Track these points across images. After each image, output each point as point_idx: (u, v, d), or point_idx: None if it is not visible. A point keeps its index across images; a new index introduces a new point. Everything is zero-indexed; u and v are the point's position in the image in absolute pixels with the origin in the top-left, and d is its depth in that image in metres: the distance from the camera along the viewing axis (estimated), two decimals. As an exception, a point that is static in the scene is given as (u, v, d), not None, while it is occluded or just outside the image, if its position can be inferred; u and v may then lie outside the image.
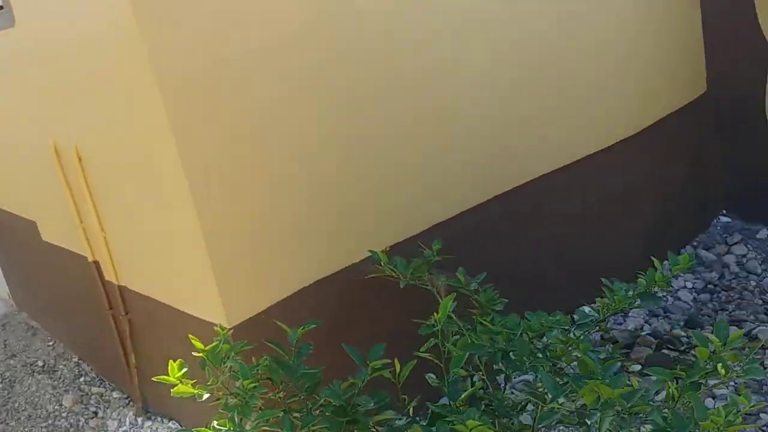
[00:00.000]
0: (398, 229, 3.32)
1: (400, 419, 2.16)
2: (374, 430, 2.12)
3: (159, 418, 3.67)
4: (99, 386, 3.98)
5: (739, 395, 1.71)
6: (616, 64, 4.02)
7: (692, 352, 3.90)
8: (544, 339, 2.20)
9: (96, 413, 3.80)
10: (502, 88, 3.55)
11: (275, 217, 2.87)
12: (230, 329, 2.73)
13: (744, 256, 4.37)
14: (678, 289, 4.23)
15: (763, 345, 3.84)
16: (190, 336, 2.14)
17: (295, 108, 2.84)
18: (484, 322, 2.22)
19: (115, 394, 3.91)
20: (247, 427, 1.98)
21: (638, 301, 2.32)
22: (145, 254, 3.23)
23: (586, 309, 4.18)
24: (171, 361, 2.04)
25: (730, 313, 4.06)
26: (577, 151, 3.92)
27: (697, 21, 4.43)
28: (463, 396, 2.23)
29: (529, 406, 2.44)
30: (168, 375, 2.03)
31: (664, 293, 4.17)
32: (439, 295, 3.18)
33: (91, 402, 3.85)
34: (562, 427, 2.35)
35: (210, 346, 2.07)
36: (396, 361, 2.17)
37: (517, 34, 3.54)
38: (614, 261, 4.20)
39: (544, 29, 3.64)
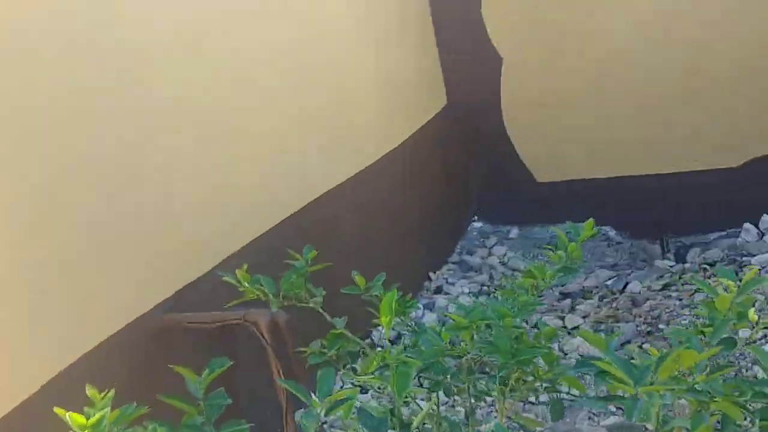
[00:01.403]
0: (193, 267, 2.69)
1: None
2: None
3: None
4: None
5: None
6: (362, 92, 3.76)
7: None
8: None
9: None
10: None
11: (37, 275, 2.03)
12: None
13: (505, 255, 4.28)
14: (458, 296, 4.01)
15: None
16: (58, 410, 1.30)
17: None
18: (454, 316, 1.68)
19: None
20: None
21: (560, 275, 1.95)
22: None
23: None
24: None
25: (510, 310, 3.91)
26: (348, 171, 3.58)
27: (430, 35, 4.31)
28: (415, 423, 1.67)
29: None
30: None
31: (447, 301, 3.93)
32: (261, 332, 2.58)
33: None
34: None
35: (94, 418, 1.26)
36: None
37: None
38: (394, 269, 3.85)
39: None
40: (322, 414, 1.44)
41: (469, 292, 4.06)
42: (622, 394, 1.49)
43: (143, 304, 2.47)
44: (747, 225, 4.01)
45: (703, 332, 1.48)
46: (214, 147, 2.85)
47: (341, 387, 3.32)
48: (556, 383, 1.68)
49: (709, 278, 3.84)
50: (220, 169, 2.88)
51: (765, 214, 4.00)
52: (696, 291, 3.75)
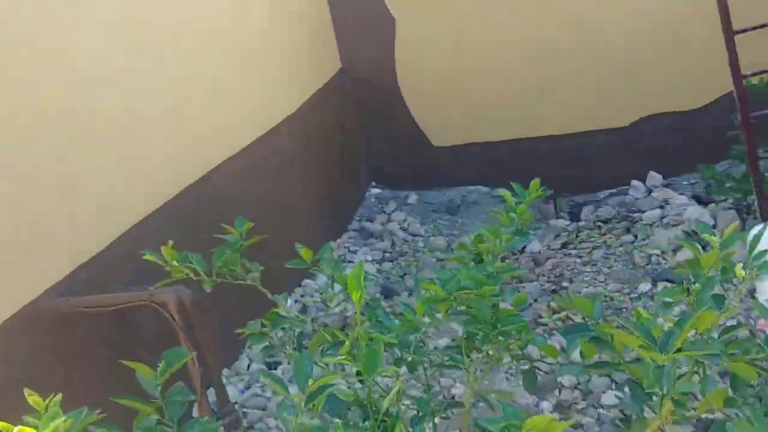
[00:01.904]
0: (86, 246, 2.49)
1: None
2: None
3: None
4: None
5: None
6: (249, 58, 3.51)
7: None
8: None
9: None
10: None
11: None
12: None
13: (404, 221, 4.17)
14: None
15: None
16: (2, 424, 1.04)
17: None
18: (431, 287, 1.52)
19: None
20: None
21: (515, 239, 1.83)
22: None
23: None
24: None
25: (415, 275, 3.81)
26: (242, 141, 3.38)
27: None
28: (385, 403, 1.52)
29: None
30: None
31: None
32: (171, 313, 2.38)
33: None
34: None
35: (48, 430, 1.02)
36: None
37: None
38: (295, 239, 3.67)
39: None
40: (302, 404, 1.25)
41: (372, 260, 3.92)
42: (609, 359, 1.40)
43: (32, 290, 2.22)
44: (635, 182, 4.09)
45: (689, 290, 1.40)
46: (108, 120, 2.61)
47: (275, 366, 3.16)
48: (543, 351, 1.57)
49: (603, 235, 3.89)
50: (114, 141, 2.64)
51: (651, 171, 4.08)
52: (594, 248, 3.79)
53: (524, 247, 3.93)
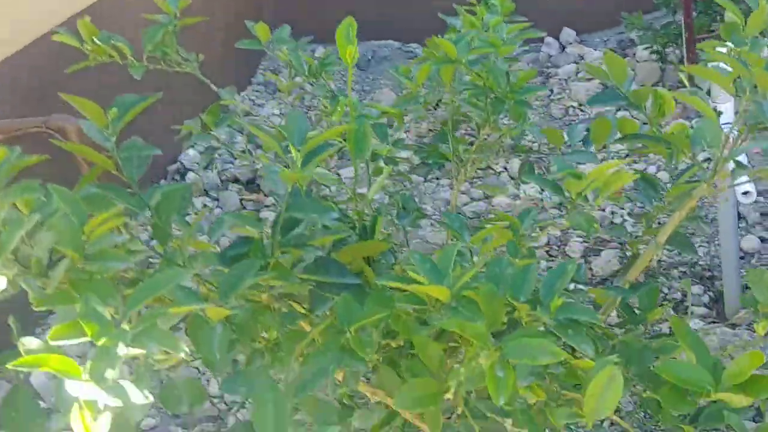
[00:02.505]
0: None
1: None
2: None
3: None
4: None
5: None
6: None
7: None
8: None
9: None
10: None
11: None
12: None
13: (312, 75, 3.83)
14: (269, 116, 3.55)
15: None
16: None
17: None
18: (444, 43, 1.25)
19: None
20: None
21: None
22: None
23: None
24: None
25: (323, 129, 3.55)
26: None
27: None
28: (369, 194, 1.28)
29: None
30: None
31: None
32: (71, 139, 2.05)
33: None
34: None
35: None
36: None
37: None
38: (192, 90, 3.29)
39: None
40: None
41: (280, 113, 3.60)
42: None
43: None
44: (548, 39, 3.92)
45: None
46: None
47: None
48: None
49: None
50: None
51: (565, 28, 3.92)
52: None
53: (438, 102, 3.72)
